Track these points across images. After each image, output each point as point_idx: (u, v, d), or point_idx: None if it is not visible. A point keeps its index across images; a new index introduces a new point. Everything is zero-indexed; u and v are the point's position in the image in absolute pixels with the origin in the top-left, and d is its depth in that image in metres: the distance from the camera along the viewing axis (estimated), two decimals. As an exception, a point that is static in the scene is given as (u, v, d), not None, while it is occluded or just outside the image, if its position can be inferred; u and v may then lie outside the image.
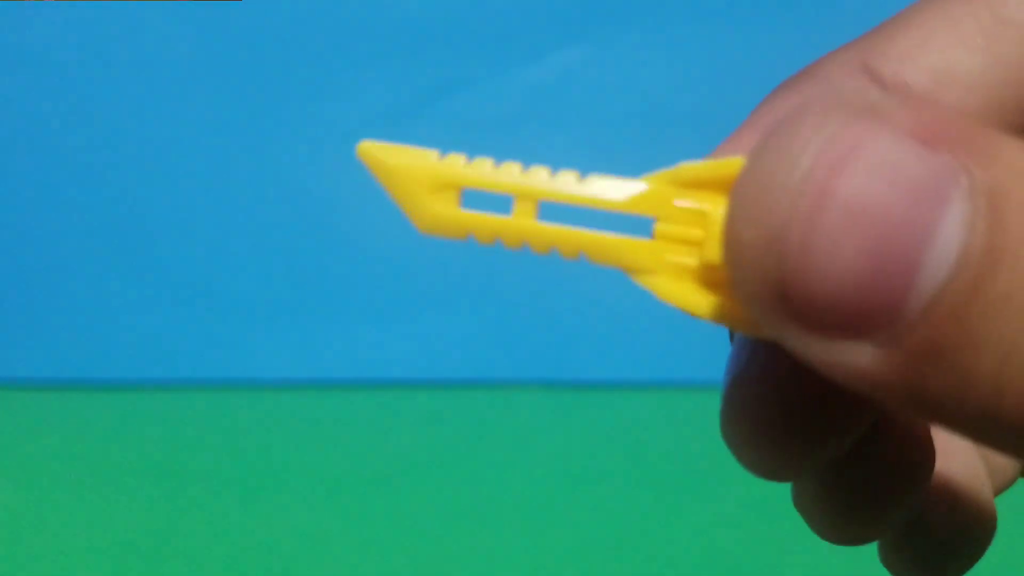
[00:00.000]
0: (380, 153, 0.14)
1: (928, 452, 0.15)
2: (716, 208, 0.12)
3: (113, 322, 0.55)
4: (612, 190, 0.13)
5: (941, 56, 0.13)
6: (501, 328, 0.56)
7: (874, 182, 0.09)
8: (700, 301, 0.12)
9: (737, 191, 0.10)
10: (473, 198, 0.13)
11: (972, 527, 0.17)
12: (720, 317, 0.12)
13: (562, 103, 0.55)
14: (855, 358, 0.09)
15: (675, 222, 0.12)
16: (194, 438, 0.48)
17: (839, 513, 0.15)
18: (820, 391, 0.13)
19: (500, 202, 0.13)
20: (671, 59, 0.54)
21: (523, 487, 0.40)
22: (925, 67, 0.13)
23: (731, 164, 0.12)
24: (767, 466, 0.14)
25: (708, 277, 0.12)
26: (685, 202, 0.12)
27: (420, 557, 0.32)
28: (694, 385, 0.57)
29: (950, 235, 0.09)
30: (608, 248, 0.13)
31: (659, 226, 0.12)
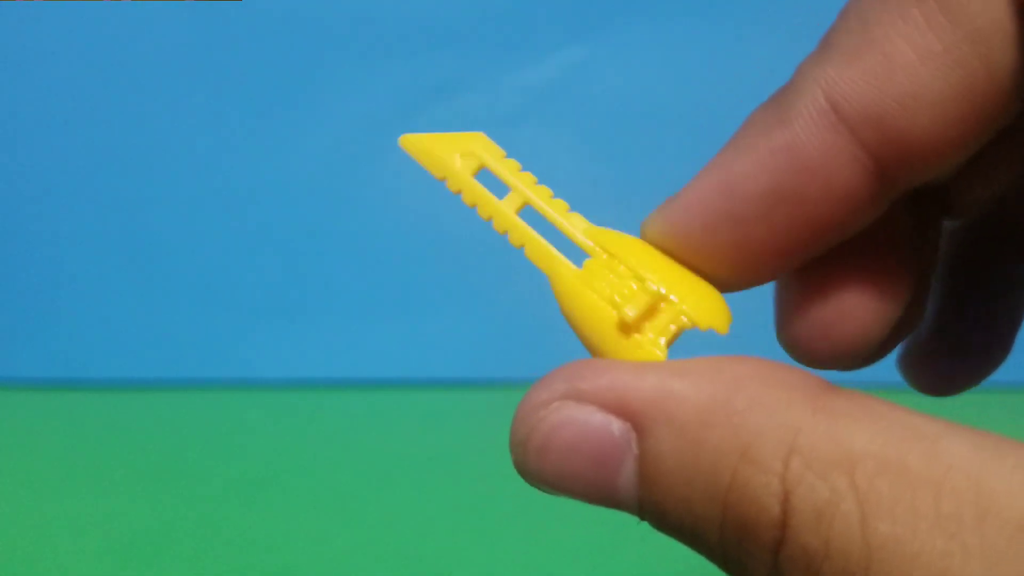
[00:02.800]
0: (420, 143, 0.18)
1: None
2: (623, 264, 0.17)
3: (113, 322, 0.55)
4: (566, 218, 0.17)
5: (906, 79, 0.14)
6: (501, 328, 0.56)
7: (565, 457, 0.14)
8: (587, 319, 0.16)
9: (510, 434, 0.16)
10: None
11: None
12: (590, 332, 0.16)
13: (562, 103, 0.55)
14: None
15: (602, 265, 0.17)
16: (194, 438, 0.48)
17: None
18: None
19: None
20: (671, 59, 0.54)
21: (523, 487, 0.39)
22: (893, 96, 0.14)
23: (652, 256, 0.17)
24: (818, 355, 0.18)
25: (617, 325, 0.16)
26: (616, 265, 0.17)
27: (420, 557, 0.32)
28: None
29: (629, 482, 0.14)
30: (549, 260, 0.17)
31: (587, 263, 0.17)
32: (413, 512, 0.36)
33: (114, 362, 0.55)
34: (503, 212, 0.17)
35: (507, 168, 0.17)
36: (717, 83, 0.54)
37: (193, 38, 0.54)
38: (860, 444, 0.11)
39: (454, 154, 0.17)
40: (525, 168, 0.17)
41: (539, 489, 0.15)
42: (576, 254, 0.17)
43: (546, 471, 0.15)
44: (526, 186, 0.17)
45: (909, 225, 0.17)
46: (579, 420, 0.14)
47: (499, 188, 0.17)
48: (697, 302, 0.16)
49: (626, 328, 0.16)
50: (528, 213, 0.17)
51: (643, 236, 0.17)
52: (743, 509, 0.12)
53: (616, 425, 0.14)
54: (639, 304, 0.16)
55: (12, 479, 0.41)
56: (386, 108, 0.55)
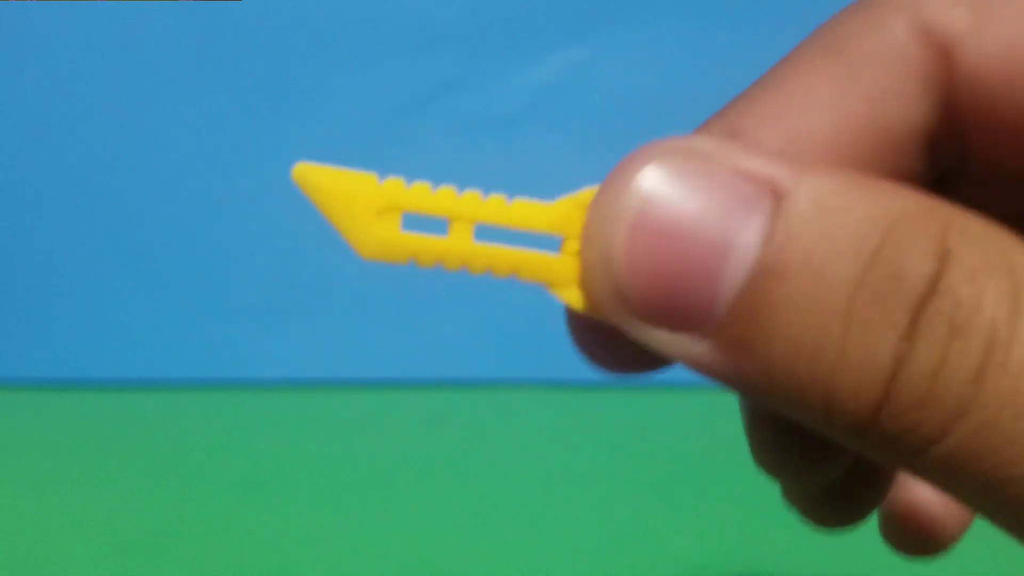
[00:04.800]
0: (318, 176, 0.14)
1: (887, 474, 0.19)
2: None
3: (113, 322, 0.55)
4: (531, 212, 0.14)
5: (797, 119, 0.14)
6: (501, 328, 0.56)
7: (680, 210, 0.12)
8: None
9: (585, 219, 0.13)
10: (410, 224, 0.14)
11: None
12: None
13: (562, 103, 0.55)
14: (688, 349, 0.12)
15: (578, 239, 0.13)
16: (194, 438, 0.48)
17: (821, 510, 0.19)
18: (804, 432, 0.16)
19: (436, 227, 0.14)
20: (671, 59, 0.54)
21: (523, 487, 0.40)
22: (781, 131, 0.14)
23: None
24: (787, 475, 0.17)
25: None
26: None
27: (420, 557, 0.32)
28: (694, 385, 0.57)
29: (746, 249, 0.11)
30: (533, 265, 0.14)
31: (565, 243, 0.14)
32: (413, 512, 0.36)
33: (114, 362, 0.55)
34: (472, 250, 0.14)
35: (442, 201, 0.14)
36: (717, 83, 0.54)
37: (193, 38, 0.54)
38: (1013, 243, 0.11)
39: (370, 220, 0.14)
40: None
41: (616, 304, 0.12)
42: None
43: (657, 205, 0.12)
44: (470, 208, 0.14)
45: None
46: (699, 164, 0.12)
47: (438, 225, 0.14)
48: None
49: None
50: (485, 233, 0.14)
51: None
52: (894, 261, 0.11)
53: (747, 186, 0.12)
54: None
55: (12, 479, 0.41)
56: (386, 108, 0.55)
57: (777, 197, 0.11)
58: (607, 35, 0.54)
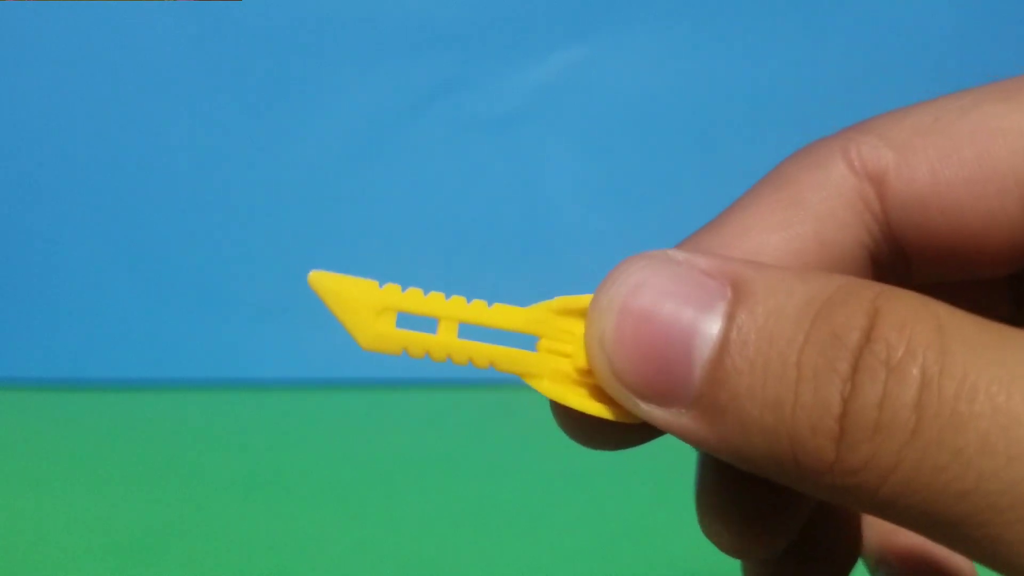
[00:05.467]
0: (328, 283, 0.17)
1: (855, 543, 0.20)
2: (580, 327, 0.16)
3: (113, 322, 0.55)
4: (508, 315, 0.16)
5: (754, 239, 0.17)
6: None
7: (657, 299, 0.14)
8: (573, 397, 0.16)
9: (587, 312, 0.15)
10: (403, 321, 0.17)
11: None
12: (586, 408, 0.16)
13: (562, 103, 0.55)
14: (675, 420, 0.14)
15: (553, 339, 0.16)
16: (194, 438, 0.48)
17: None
18: (760, 494, 0.18)
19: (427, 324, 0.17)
20: (671, 59, 0.54)
21: (523, 487, 0.40)
22: (742, 249, 0.16)
23: (587, 298, 0.16)
24: (732, 547, 0.19)
25: (577, 378, 0.16)
26: (561, 323, 0.16)
27: (420, 557, 0.32)
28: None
29: (711, 328, 0.13)
30: (508, 359, 0.16)
31: (542, 342, 0.16)
32: (413, 512, 0.36)
33: (114, 362, 0.55)
34: (455, 345, 0.16)
35: (432, 304, 0.17)
36: (717, 83, 0.54)
37: (193, 38, 0.54)
38: (940, 307, 0.13)
39: (371, 319, 0.17)
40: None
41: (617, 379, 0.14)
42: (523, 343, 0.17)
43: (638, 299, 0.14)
44: (453, 307, 0.17)
45: None
46: (673, 266, 0.14)
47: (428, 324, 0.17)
48: None
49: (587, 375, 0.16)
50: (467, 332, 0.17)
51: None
52: (831, 322, 0.13)
53: (713, 282, 0.14)
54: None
55: (12, 479, 0.41)
56: (386, 108, 0.55)
57: (735, 286, 0.14)
58: (607, 35, 0.54)
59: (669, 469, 0.44)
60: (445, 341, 0.16)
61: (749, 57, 0.54)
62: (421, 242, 0.56)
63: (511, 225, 0.55)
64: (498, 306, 0.16)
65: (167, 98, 0.55)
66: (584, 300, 0.16)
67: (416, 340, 0.17)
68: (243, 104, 0.55)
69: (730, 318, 0.13)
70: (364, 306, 0.17)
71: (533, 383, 0.16)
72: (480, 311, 0.17)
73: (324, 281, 0.17)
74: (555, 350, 0.16)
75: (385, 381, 0.56)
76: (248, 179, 0.56)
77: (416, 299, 0.17)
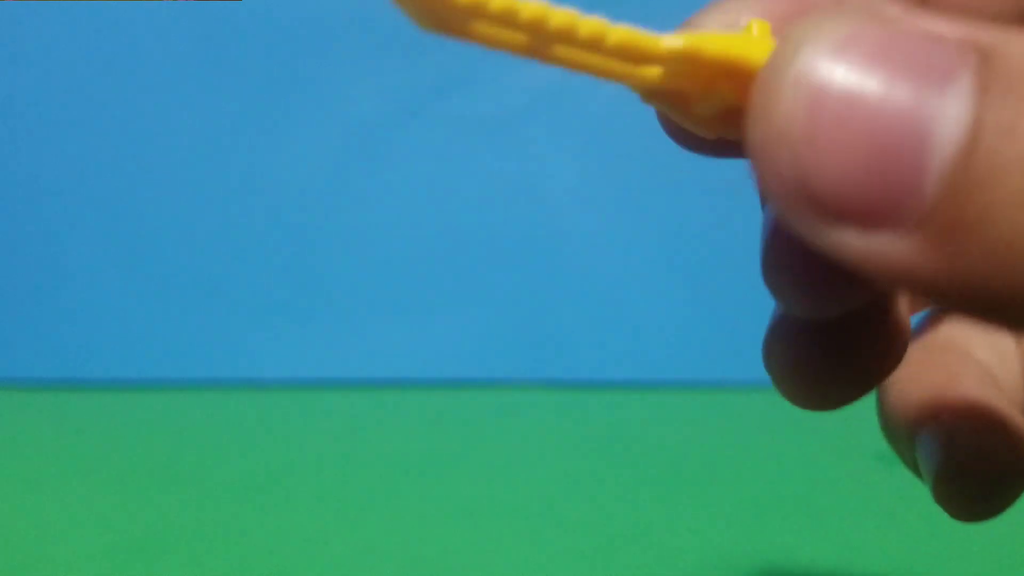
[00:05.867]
0: None
1: (901, 343, 0.15)
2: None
3: (113, 322, 0.55)
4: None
5: None
6: (501, 328, 0.56)
7: (870, 70, 0.10)
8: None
9: (752, 94, 0.10)
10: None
11: (1001, 450, 0.16)
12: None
13: (562, 103, 0.55)
14: (888, 249, 0.10)
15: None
16: (194, 438, 0.48)
17: (804, 376, 0.15)
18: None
19: None
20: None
21: (523, 487, 0.40)
22: None
23: (728, 43, 0.12)
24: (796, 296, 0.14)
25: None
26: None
27: (420, 557, 0.32)
28: (694, 385, 0.57)
29: (956, 112, 0.09)
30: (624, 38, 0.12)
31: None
32: (413, 512, 0.36)
33: (114, 362, 0.55)
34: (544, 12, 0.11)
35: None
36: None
37: (193, 38, 0.54)
38: None
39: None
40: None
41: (805, 201, 0.10)
42: None
43: (837, 81, 0.10)
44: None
45: None
46: (887, 26, 0.10)
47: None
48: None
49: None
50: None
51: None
52: None
53: (948, 47, 0.10)
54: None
55: (12, 479, 0.41)
56: (386, 108, 0.55)
57: (982, 52, 0.09)
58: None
59: (669, 468, 0.44)
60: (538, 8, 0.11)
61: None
62: (421, 241, 0.56)
63: (510, 225, 0.55)
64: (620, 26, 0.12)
65: (167, 98, 0.55)
66: (722, 43, 0.12)
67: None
68: (243, 104, 0.55)
69: (983, 94, 0.09)
70: None
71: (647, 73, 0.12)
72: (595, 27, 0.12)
73: None
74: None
75: (385, 381, 0.56)
76: (248, 179, 0.56)
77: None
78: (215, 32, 0.54)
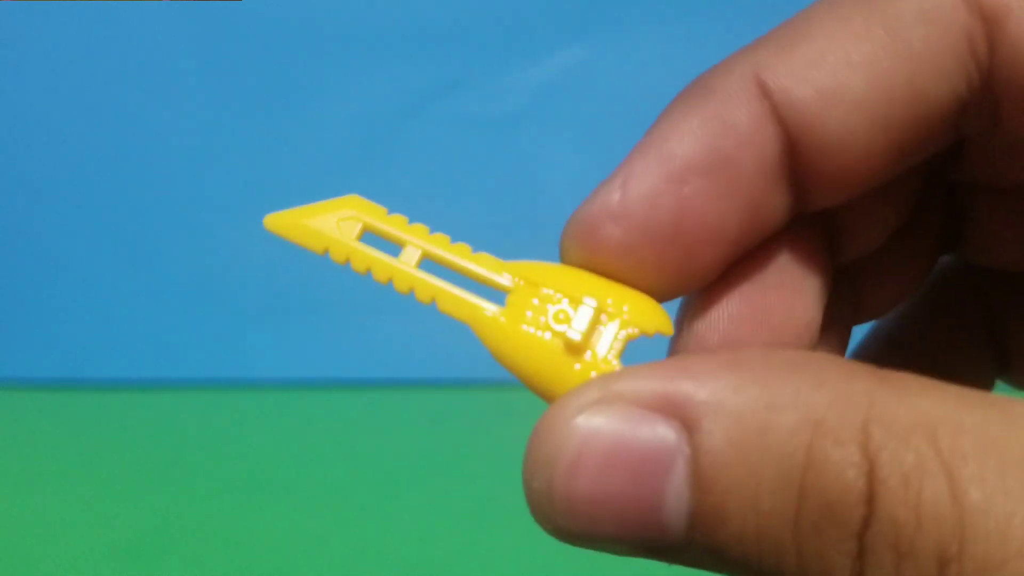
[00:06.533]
0: (287, 217, 0.16)
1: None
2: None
3: (113, 322, 0.55)
4: (484, 264, 0.15)
5: (830, 76, 0.14)
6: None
7: (601, 474, 0.12)
8: (527, 356, 0.15)
9: (524, 481, 0.13)
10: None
11: None
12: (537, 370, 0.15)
13: (562, 103, 0.55)
14: (658, 559, 0.13)
15: (523, 297, 0.15)
16: (194, 438, 0.48)
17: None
18: None
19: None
20: (671, 59, 0.54)
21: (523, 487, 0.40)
22: (813, 87, 0.14)
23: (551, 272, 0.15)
24: None
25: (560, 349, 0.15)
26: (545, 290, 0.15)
27: (419, 557, 0.32)
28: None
29: (679, 495, 0.12)
30: (453, 301, 0.15)
31: (511, 297, 0.15)
32: (412, 512, 0.36)
33: (114, 362, 0.55)
34: (401, 270, 0.15)
35: (394, 224, 0.16)
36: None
37: (193, 38, 0.54)
38: (937, 410, 0.11)
39: (330, 222, 0.15)
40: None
41: (564, 537, 0.13)
42: (495, 298, 0.16)
43: (577, 496, 0.12)
44: (420, 238, 0.16)
45: (809, 250, 0.17)
46: (617, 426, 0.12)
47: (390, 249, 0.16)
48: (635, 308, 0.15)
49: (575, 351, 0.15)
50: (431, 268, 0.16)
51: (573, 226, 0.16)
52: (823, 489, 0.11)
53: (661, 426, 0.12)
54: (581, 323, 0.15)
55: (12, 479, 0.41)
56: (386, 108, 0.55)
57: (689, 431, 0.12)
58: (607, 35, 0.54)
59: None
60: (392, 264, 0.15)
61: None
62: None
63: (511, 225, 0.55)
64: (463, 245, 0.15)
65: (167, 98, 0.55)
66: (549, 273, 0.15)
67: (366, 256, 0.15)
68: (243, 104, 0.55)
69: (696, 486, 0.12)
70: (323, 221, 0.15)
71: (479, 330, 0.15)
72: (443, 243, 0.15)
73: (280, 221, 0.16)
74: (522, 305, 0.15)
75: (385, 381, 0.56)
76: (248, 179, 0.56)
77: (376, 212, 0.15)
78: (214, 32, 0.54)
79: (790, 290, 0.16)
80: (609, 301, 0.15)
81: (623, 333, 0.15)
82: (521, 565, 0.31)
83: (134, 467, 0.42)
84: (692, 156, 0.15)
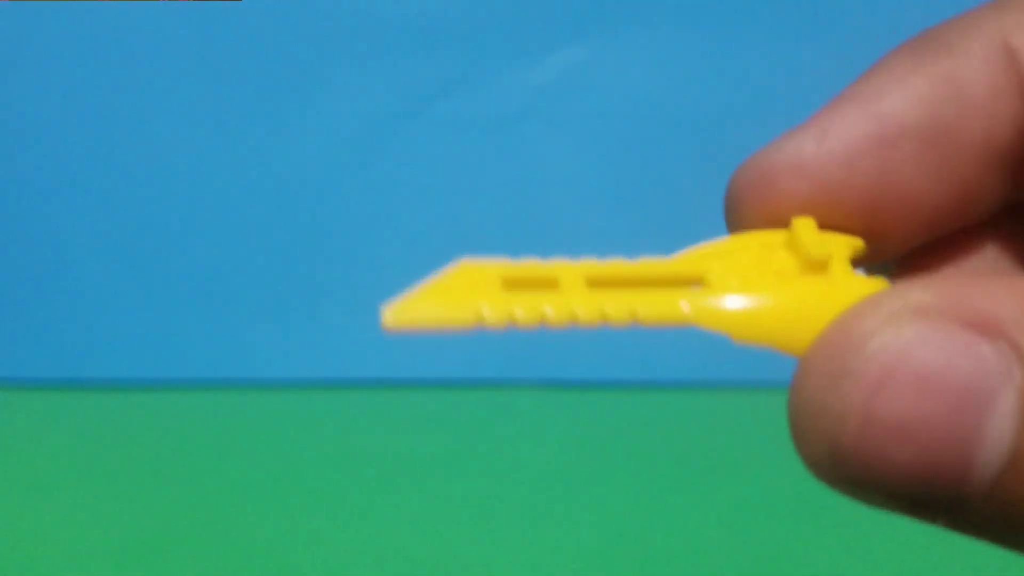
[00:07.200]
0: (412, 307, 0.13)
1: None
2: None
3: (113, 322, 0.55)
4: (655, 266, 0.13)
5: (885, 121, 0.13)
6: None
7: (915, 397, 0.10)
8: (770, 311, 0.12)
9: (793, 404, 0.11)
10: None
11: None
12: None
13: (562, 103, 0.55)
14: (927, 517, 0.11)
15: (722, 269, 0.13)
16: (194, 438, 0.48)
17: None
18: None
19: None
20: (672, 59, 0.54)
21: (523, 487, 0.40)
22: (869, 123, 0.13)
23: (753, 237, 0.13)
24: None
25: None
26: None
27: (420, 557, 0.32)
28: (695, 385, 0.57)
29: (1001, 430, 0.10)
30: (656, 305, 0.12)
31: (707, 275, 0.13)
32: (413, 512, 0.36)
33: (114, 362, 0.55)
34: (580, 297, 0.12)
35: (533, 266, 0.13)
36: (718, 84, 0.54)
37: (193, 38, 0.54)
38: None
39: (461, 291, 0.13)
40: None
41: (833, 472, 0.11)
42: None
43: (878, 418, 0.10)
44: (571, 267, 0.12)
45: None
46: (939, 343, 0.10)
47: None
48: (831, 233, 0.13)
49: (818, 271, 0.12)
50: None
51: (751, 174, 0.14)
52: None
53: (988, 349, 0.10)
54: (813, 242, 0.12)
55: (12, 479, 0.41)
56: (386, 108, 0.55)
57: (1021, 358, 0.10)
58: (607, 35, 0.54)
59: (670, 469, 0.44)
60: (564, 296, 0.12)
61: (751, 57, 0.54)
62: (421, 242, 0.56)
63: (511, 226, 0.55)
64: (619, 260, 0.12)
65: (167, 98, 0.55)
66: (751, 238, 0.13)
67: (529, 300, 0.12)
68: (243, 104, 0.55)
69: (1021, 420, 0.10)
70: (456, 296, 0.13)
71: (704, 318, 0.12)
72: (594, 267, 0.12)
73: (407, 312, 0.13)
74: (730, 273, 0.12)
75: (385, 381, 0.56)
76: (248, 178, 0.55)
77: (502, 265, 0.13)
78: (214, 32, 0.54)
79: None
80: (816, 240, 0.13)
81: (850, 253, 0.13)
82: (521, 565, 0.31)
83: (134, 467, 0.42)
84: (909, 119, 0.13)
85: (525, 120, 0.55)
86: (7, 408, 0.53)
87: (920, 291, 0.11)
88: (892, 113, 0.13)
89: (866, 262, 0.14)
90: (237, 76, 0.55)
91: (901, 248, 0.14)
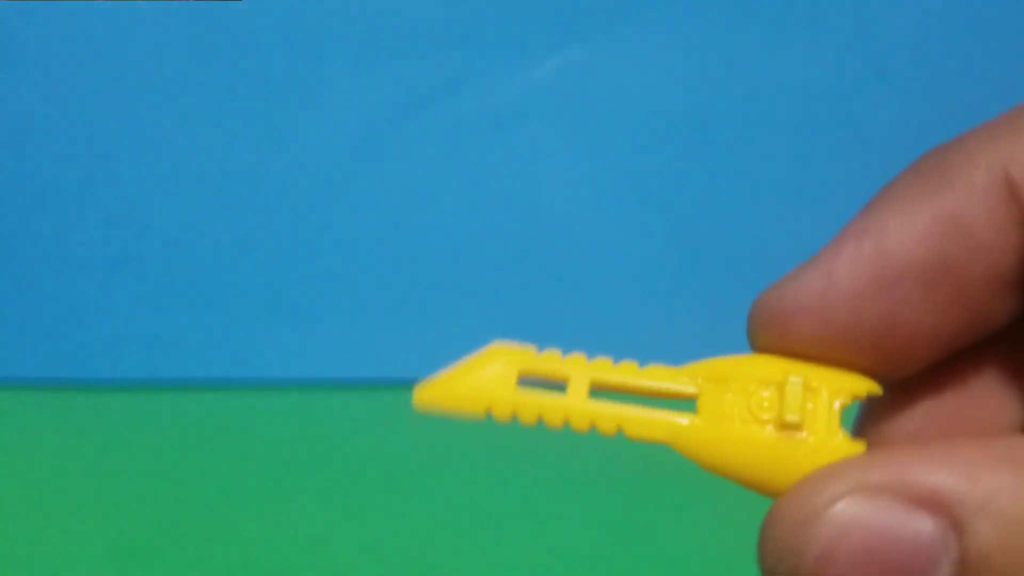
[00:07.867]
0: (442, 390, 0.15)
1: None
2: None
3: (113, 322, 0.55)
4: (659, 377, 0.15)
5: (890, 266, 0.14)
6: (501, 328, 0.56)
7: (858, 570, 0.12)
8: (743, 454, 0.14)
9: (762, 540, 0.13)
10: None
11: None
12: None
13: (562, 103, 0.55)
14: None
15: (714, 396, 0.14)
16: (194, 438, 0.48)
17: None
18: None
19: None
20: (672, 60, 0.54)
21: (523, 487, 0.40)
22: (871, 270, 0.14)
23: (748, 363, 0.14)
24: None
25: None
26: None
27: (420, 557, 0.32)
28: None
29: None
30: (642, 423, 0.15)
31: (701, 401, 0.15)
32: (413, 512, 0.36)
33: (114, 362, 0.55)
34: (575, 407, 0.14)
35: (550, 361, 0.15)
36: (718, 85, 0.54)
37: (193, 38, 0.54)
38: None
39: (482, 379, 0.15)
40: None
41: None
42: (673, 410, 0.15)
43: None
44: (582, 368, 0.15)
45: None
46: (881, 518, 0.12)
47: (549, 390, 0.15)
48: (837, 376, 0.14)
49: (793, 432, 0.14)
50: (601, 396, 0.15)
51: (763, 312, 0.15)
52: None
53: (927, 522, 0.11)
54: (792, 403, 0.14)
55: (12, 479, 0.41)
56: (386, 108, 0.55)
57: (957, 530, 0.11)
58: (607, 35, 0.54)
59: (670, 470, 0.44)
60: (562, 403, 0.14)
61: (751, 57, 0.54)
62: (421, 241, 0.56)
63: (511, 225, 0.55)
64: (629, 363, 0.15)
65: (167, 98, 0.55)
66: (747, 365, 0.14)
67: (536, 403, 0.14)
68: (243, 104, 0.55)
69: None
70: (477, 381, 0.15)
71: (680, 445, 0.15)
72: (606, 368, 0.15)
73: (433, 395, 0.15)
74: (718, 404, 0.14)
75: (385, 381, 0.56)
76: (248, 178, 0.56)
77: (525, 355, 0.15)
78: (213, 32, 0.54)
79: (997, 399, 0.15)
80: (812, 379, 0.14)
81: (836, 404, 0.14)
82: (521, 565, 0.31)
83: (134, 467, 0.41)
84: (914, 257, 0.14)
85: (525, 120, 0.55)
86: (7, 408, 0.53)
87: (866, 468, 0.12)
88: (896, 252, 0.14)
89: (878, 381, 0.15)
90: (237, 76, 0.55)
91: (911, 371, 0.15)
